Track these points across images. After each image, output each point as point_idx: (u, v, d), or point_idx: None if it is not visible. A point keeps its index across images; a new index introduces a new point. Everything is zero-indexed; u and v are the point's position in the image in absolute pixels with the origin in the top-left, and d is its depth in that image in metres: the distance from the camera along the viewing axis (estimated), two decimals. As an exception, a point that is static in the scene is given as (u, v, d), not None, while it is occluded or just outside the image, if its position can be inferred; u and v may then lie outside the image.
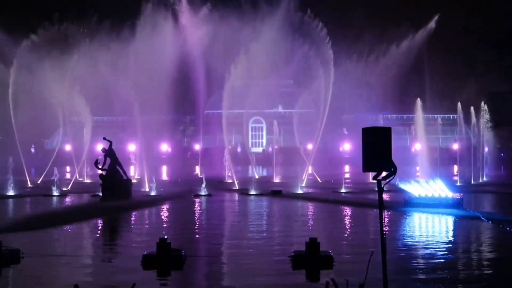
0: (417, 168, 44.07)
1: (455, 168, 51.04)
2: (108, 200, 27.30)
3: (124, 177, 29.30)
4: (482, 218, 20.32)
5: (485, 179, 44.45)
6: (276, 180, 43.43)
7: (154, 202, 27.61)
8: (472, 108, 48.93)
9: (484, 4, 62.23)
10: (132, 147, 47.71)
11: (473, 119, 49.02)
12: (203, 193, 30.78)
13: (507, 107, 53.62)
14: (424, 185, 25.18)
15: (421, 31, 57.77)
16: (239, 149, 70.28)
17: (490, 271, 12.37)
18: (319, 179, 42.26)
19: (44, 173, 41.30)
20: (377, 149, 8.04)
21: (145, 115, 42.23)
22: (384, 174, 8.13)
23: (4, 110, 42.93)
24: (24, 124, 45.18)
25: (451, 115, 65.14)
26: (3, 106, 43.15)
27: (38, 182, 39.63)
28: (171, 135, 72.81)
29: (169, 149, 75.01)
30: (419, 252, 14.58)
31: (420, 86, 67.64)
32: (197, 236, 17.93)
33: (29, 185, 37.99)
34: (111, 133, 35.59)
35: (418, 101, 47.69)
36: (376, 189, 8.34)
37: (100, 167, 29.18)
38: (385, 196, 27.82)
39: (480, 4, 62.62)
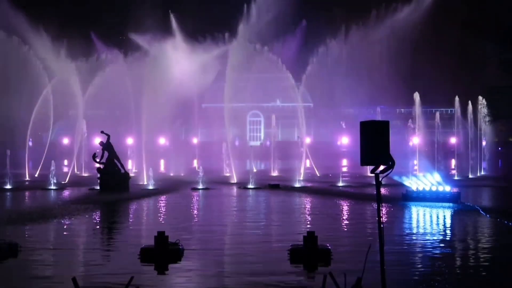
0: (415, 162, 44.12)
1: (453, 162, 51.08)
2: (105, 193, 27.30)
3: (122, 171, 29.28)
4: (481, 212, 20.37)
5: (482, 173, 44.55)
6: (274, 173, 43.47)
7: (151, 195, 27.61)
8: (470, 102, 48.96)
9: (483, -2, 62.21)
10: (130, 140, 47.65)
11: (471, 113, 49.06)
12: (201, 187, 30.79)
13: (505, 101, 53.74)
14: (422, 179, 25.21)
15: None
16: (237, 143, 70.29)
17: (489, 267, 12.35)
18: (317, 173, 42.29)
19: (40, 166, 41.30)
20: (375, 143, 8.03)
21: (143, 109, 42.09)
22: (382, 167, 8.11)
23: (2, 103, 42.81)
24: (22, 117, 45.11)
25: (449, 109, 65.11)
26: (2, 100, 43.03)
27: (36, 175, 39.62)
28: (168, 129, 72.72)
29: (167, 143, 74.88)
30: (417, 246, 14.59)
31: (418, 79, 67.55)
32: (195, 229, 17.93)
33: (27, 178, 37.99)
34: (109, 126, 35.56)
35: (416, 95, 47.67)
36: (374, 183, 8.33)
37: (98, 160, 29.15)
38: (383, 190, 27.95)
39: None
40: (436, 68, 65.44)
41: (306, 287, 10.79)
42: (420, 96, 48.22)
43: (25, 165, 41.02)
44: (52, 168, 31.83)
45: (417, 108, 48.33)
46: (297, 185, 32.77)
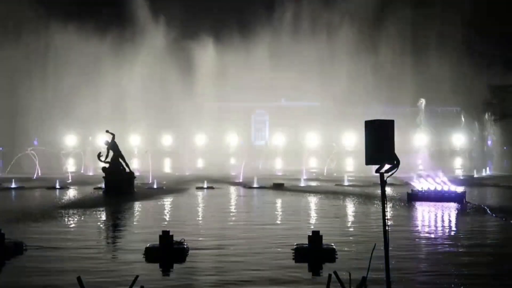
0: (420, 161, 44.04)
1: (458, 161, 50.92)
2: (110, 193, 27.34)
3: (127, 170, 29.31)
4: (488, 211, 20.29)
5: (488, 172, 44.39)
6: (279, 173, 43.43)
7: (156, 194, 27.64)
8: (476, 101, 48.81)
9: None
10: (135, 140, 47.78)
11: (476, 112, 48.92)
12: (205, 186, 30.79)
13: (511, 100, 53.53)
14: (427, 178, 25.16)
15: None
16: (241, 142, 70.26)
17: (496, 268, 12.28)
18: (325, 172, 42.30)
19: (47, 166, 41.41)
20: (380, 142, 7.99)
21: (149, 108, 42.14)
22: (387, 167, 8.07)
23: (10, 103, 43.01)
24: (28, 117, 45.32)
25: (455, 108, 64.88)
26: (8, 100, 43.21)
27: (40, 174, 39.75)
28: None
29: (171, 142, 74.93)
30: (423, 245, 14.54)
31: (424, 78, 67.43)
32: (199, 228, 17.93)
33: (33, 177, 38.11)
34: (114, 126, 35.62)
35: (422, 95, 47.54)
36: (379, 182, 8.29)
37: (102, 160, 29.19)
38: (388, 189, 27.84)
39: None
40: (441, 66, 65.28)
41: (311, 286, 10.76)
42: (425, 95, 48.14)
43: (30, 164, 41.15)
44: (57, 167, 31.95)
45: (422, 107, 48.26)
46: (301, 184, 32.74)
